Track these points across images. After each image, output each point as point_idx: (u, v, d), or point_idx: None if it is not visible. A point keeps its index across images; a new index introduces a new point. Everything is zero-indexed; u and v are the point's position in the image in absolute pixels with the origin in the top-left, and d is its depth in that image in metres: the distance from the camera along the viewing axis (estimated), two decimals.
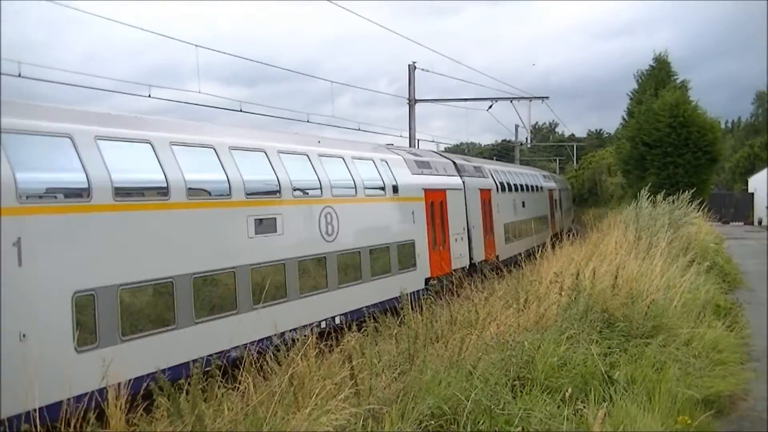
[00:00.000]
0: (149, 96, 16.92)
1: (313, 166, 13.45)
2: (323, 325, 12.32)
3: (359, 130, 28.04)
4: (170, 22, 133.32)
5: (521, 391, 6.61)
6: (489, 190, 23.59)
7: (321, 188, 13.39)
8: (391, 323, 8.81)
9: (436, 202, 18.53)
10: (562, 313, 9.06)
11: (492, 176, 24.81)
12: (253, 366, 6.84)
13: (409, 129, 30.43)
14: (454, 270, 18.57)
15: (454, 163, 21.66)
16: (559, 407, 6.31)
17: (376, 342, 8.01)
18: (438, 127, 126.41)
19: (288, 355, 6.83)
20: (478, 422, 5.68)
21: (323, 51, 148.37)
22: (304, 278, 12.40)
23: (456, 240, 19.55)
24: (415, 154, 19.50)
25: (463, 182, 21.10)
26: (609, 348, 8.28)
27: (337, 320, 12.74)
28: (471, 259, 20.59)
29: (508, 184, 26.76)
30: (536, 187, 32.65)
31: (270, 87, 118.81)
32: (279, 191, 12.13)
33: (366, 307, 12.60)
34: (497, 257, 22.73)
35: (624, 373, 7.49)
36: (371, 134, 29.03)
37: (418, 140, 31.43)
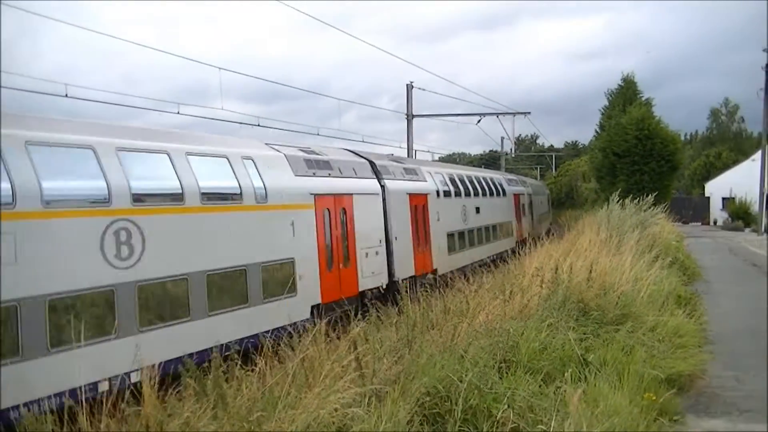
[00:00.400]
0: (178, 113, 16.84)
1: (100, 165, 8.54)
2: (102, 387, 7.67)
3: (363, 141, 27.74)
4: (197, 47, 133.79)
5: (507, 373, 6.52)
6: (425, 195, 18.11)
7: (110, 194, 8.47)
8: (391, 313, 8.71)
9: (334, 210, 13.44)
10: (543, 303, 8.95)
11: (433, 179, 19.26)
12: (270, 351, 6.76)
13: (407, 141, 30.38)
14: (365, 291, 14.10)
15: (372, 163, 16.05)
16: (540, 386, 6.26)
17: (378, 330, 7.95)
18: (433, 139, 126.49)
19: (300, 341, 6.75)
20: (469, 400, 5.61)
21: (332, 72, 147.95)
22: (63, 323, 7.58)
23: (367, 255, 14.38)
24: (309, 152, 13.71)
25: (383, 186, 15.76)
26: (584, 334, 8.18)
27: (134, 377, 7.79)
28: (392, 275, 15.35)
29: (456, 188, 21.06)
30: (497, 191, 26.38)
31: (285, 104, 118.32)
32: (13, 200, 7.36)
33: (197, 352, 8.76)
34: (435, 271, 17.57)
35: (597, 356, 7.42)
36: (374, 145, 28.70)
37: (416, 150, 31.35)
